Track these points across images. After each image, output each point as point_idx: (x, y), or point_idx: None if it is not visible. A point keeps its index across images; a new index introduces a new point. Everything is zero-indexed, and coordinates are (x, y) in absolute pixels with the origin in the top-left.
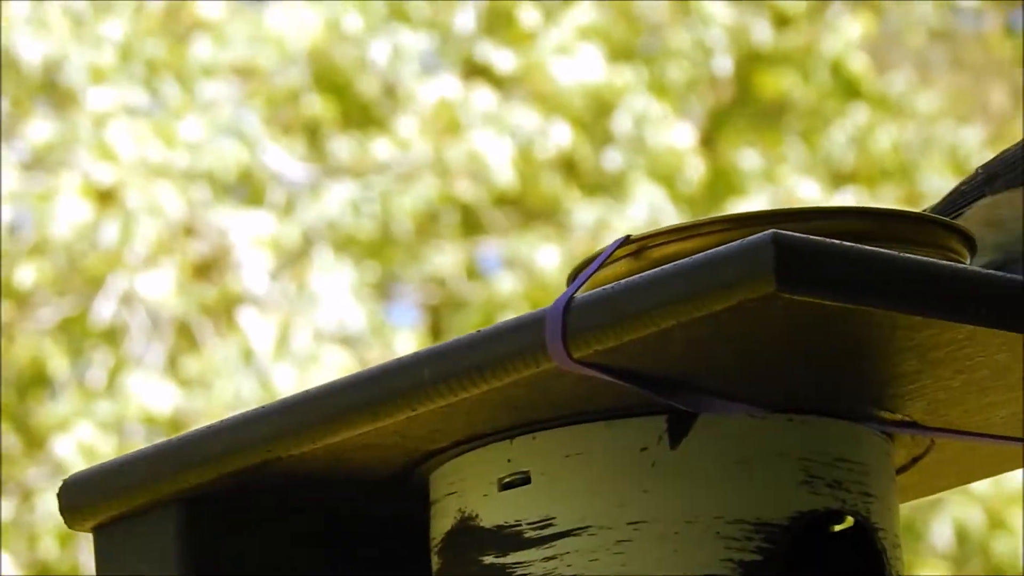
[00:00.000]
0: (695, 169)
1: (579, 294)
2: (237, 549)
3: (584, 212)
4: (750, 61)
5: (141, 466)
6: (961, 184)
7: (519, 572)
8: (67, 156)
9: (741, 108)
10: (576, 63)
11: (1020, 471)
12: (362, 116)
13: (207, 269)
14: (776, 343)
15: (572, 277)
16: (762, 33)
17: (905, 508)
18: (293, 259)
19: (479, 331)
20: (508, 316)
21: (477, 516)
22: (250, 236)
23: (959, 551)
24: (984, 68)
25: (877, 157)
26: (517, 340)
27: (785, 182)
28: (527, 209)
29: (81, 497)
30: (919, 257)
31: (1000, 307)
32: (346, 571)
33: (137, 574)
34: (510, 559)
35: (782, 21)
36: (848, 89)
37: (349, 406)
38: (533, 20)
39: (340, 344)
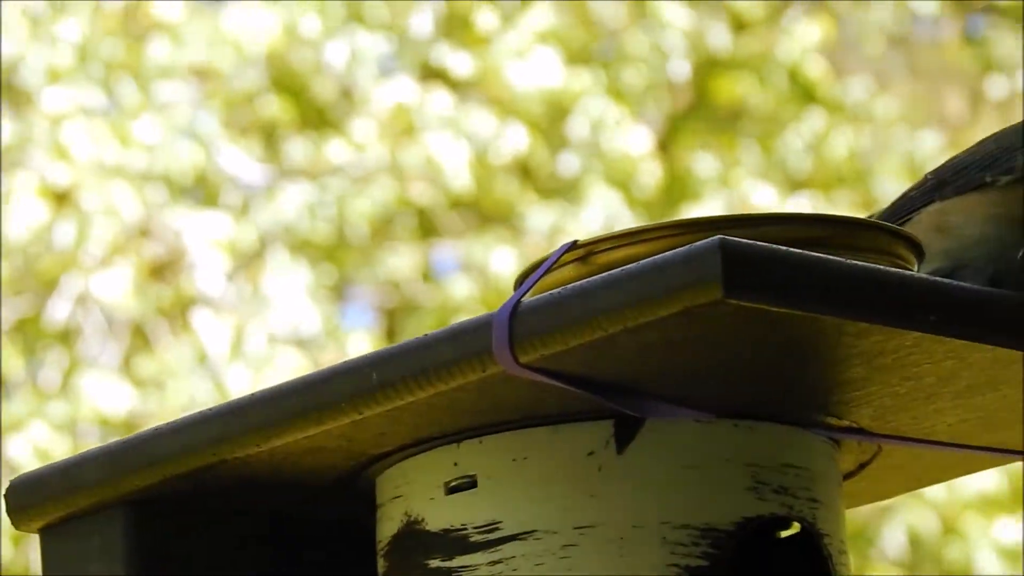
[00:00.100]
0: (651, 174)
1: (526, 299)
2: (184, 551)
3: (540, 216)
4: (707, 66)
5: (88, 468)
6: (910, 190)
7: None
8: (23, 157)
9: (698, 113)
10: (533, 67)
11: (970, 477)
12: (318, 119)
13: (162, 270)
14: (723, 348)
15: (519, 282)
16: (719, 38)
17: (858, 513)
18: (248, 261)
19: (426, 335)
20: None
21: (423, 520)
22: (205, 238)
23: (912, 557)
24: (941, 75)
25: (833, 163)
26: (464, 344)
27: (740, 187)
28: (483, 213)
29: (28, 498)
30: (865, 264)
31: (947, 314)
32: (292, 574)
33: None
34: (456, 563)
35: (739, 26)
36: (805, 94)
37: (296, 409)
38: (490, 23)
39: (294, 346)
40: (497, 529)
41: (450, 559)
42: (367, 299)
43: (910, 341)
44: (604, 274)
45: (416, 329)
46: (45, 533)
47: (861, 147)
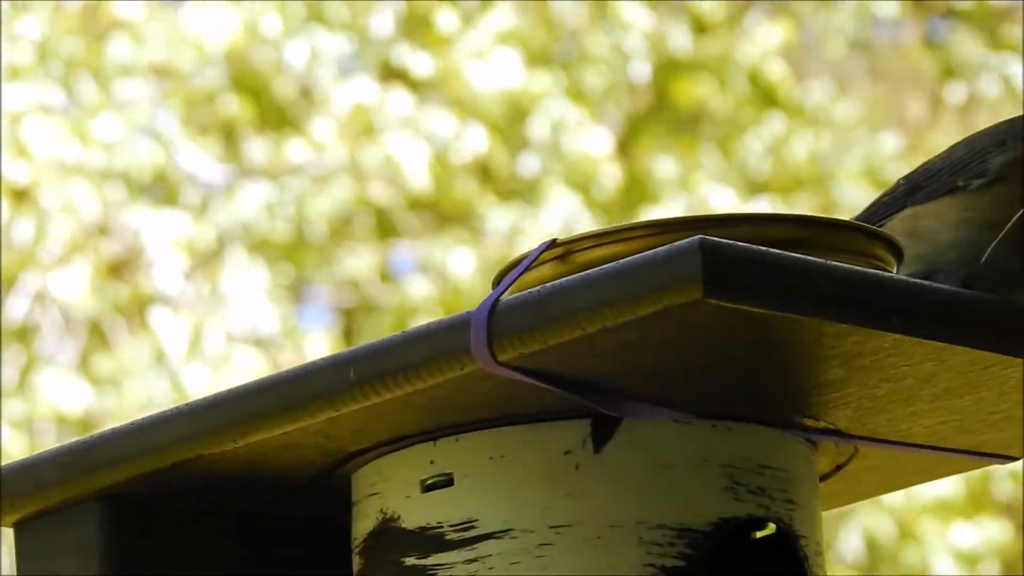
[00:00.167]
0: (610, 176)
1: (504, 297)
2: (159, 547)
3: (499, 217)
4: (667, 68)
5: (63, 462)
6: (883, 195)
7: (440, 574)
8: None
9: (658, 115)
10: (493, 67)
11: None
12: (278, 118)
13: (120, 269)
14: (702, 349)
15: (497, 280)
16: (680, 39)
17: None
18: (207, 260)
19: (404, 332)
20: (421, 320)
21: (399, 517)
22: (164, 236)
23: (868, 560)
24: (902, 79)
25: (793, 166)
26: (442, 342)
27: (700, 190)
28: (442, 213)
29: (2, 492)
30: (845, 265)
31: (925, 317)
32: (268, 571)
33: (57, 572)
34: (431, 560)
35: (700, 28)
36: (765, 97)
37: (272, 405)
38: (450, 24)
39: (252, 346)
40: (473, 527)
41: (426, 557)
42: (325, 299)
43: (888, 343)
44: (584, 273)
45: (374, 329)
46: (19, 528)
47: (821, 150)
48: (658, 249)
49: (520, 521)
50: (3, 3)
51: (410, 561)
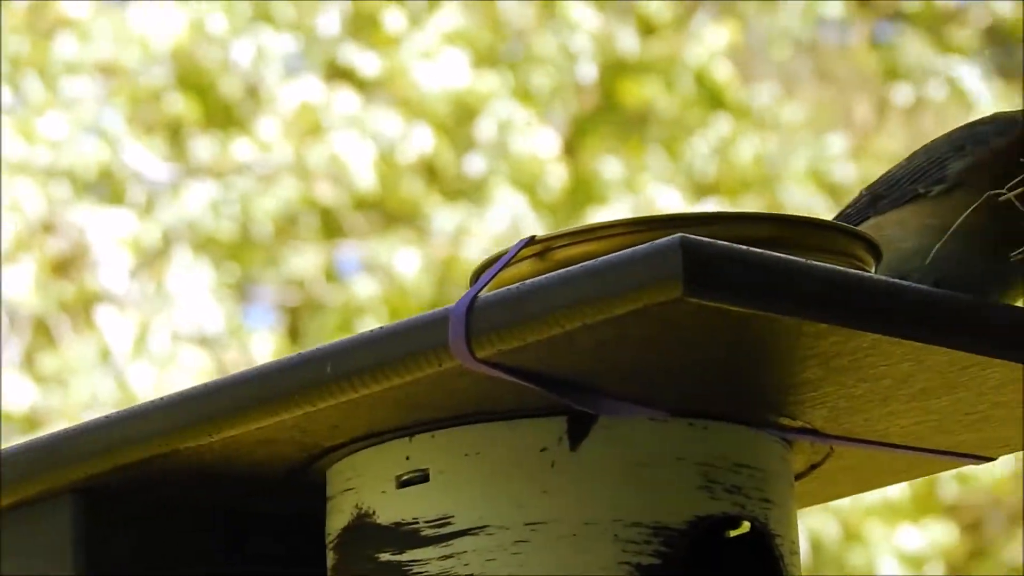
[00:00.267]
0: (557, 176)
1: (483, 294)
2: (133, 540)
3: (445, 217)
4: (614, 69)
5: (38, 455)
6: (847, 207)
7: (415, 570)
8: None
9: (604, 116)
10: (440, 68)
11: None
12: (224, 117)
13: (66, 267)
14: (680, 347)
15: (475, 276)
16: (627, 41)
17: None
18: (152, 259)
19: (382, 327)
20: (367, 320)
21: (374, 513)
22: (109, 235)
23: (813, 561)
24: (848, 80)
25: (739, 168)
26: (420, 338)
27: (646, 191)
28: (387, 213)
29: None
30: (825, 264)
31: (905, 317)
32: (244, 566)
33: (33, 567)
34: (407, 556)
35: (647, 29)
36: (712, 99)
37: (249, 399)
38: (397, 24)
39: (197, 344)
40: (448, 524)
41: (401, 553)
42: (271, 298)
43: (867, 343)
44: (563, 270)
45: (319, 329)
46: None
47: (767, 152)
48: (638, 247)
49: (495, 518)
50: None
51: (385, 557)
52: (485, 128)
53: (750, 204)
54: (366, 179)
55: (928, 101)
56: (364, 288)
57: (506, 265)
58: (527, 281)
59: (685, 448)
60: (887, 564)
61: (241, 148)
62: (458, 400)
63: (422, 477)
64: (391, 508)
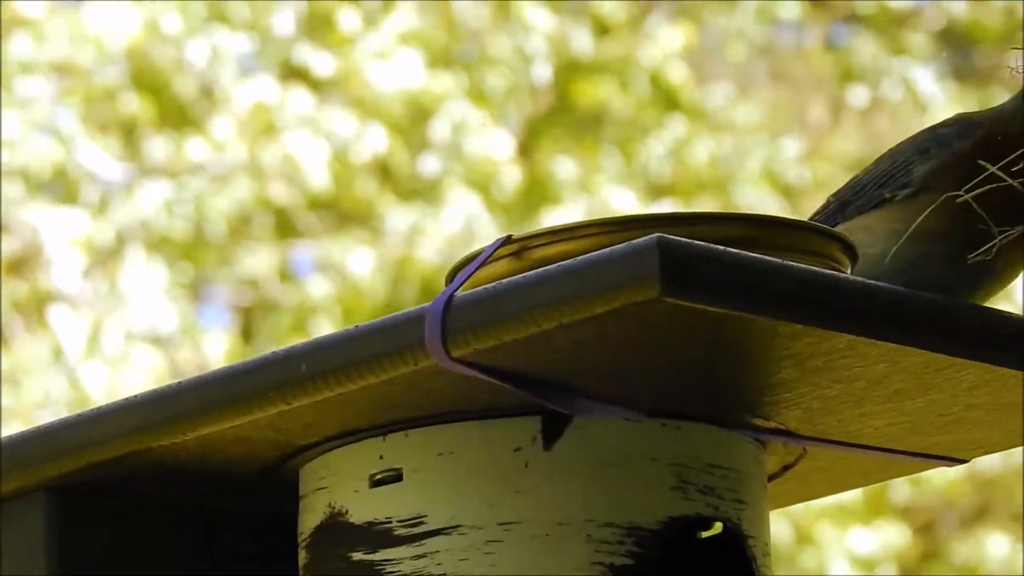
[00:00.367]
0: (511, 177)
1: (460, 293)
2: (106, 538)
3: (399, 217)
4: (569, 69)
5: (10, 452)
6: (815, 215)
7: (388, 569)
8: None
9: (559, 117)
10: (395, 68)
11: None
12: (178, 116)
13: (19, 266)
14: (657, 347)
15: (451, 276)
16: (582, 42)
17: None
18: (105, 258)
19: (357, 327)
20: (320, 320)
21: (347, 512)
22: (63, 234)
23: None
24: (803, 82)
25: (694, 169)
26: (396, 337)
27: (601, 192)
28: (341, 213)
29: None
30: (801, 265)
31: (880, 318)
32: (217, 564)
33: (6, 566)
34: (379, 556)
35: (602, 30)
36: (667, 100)
37: (223, 398)
38: (352, 24)
39: (151, 344)
40: (422, 523)
41: (373, 552)
42: (224, 298)
43: (843, 344)
44: (541, 270)
45: (273, 329)
46: None
47: (722, 153)
48: (615, 247)
49: (468, 518)
50: None
51: (358, 556)
52: (439, 128)
53: (705, 205)
54: (320, 179)
55: (883, 103)
56: (318, 288)
57: (483, 264)
58: (504, 280)
59: (659, 449)
60: (839, 566)
61: (195, 148)
62: (433, 399)
63: (395, 476)
64: (364, 507)
